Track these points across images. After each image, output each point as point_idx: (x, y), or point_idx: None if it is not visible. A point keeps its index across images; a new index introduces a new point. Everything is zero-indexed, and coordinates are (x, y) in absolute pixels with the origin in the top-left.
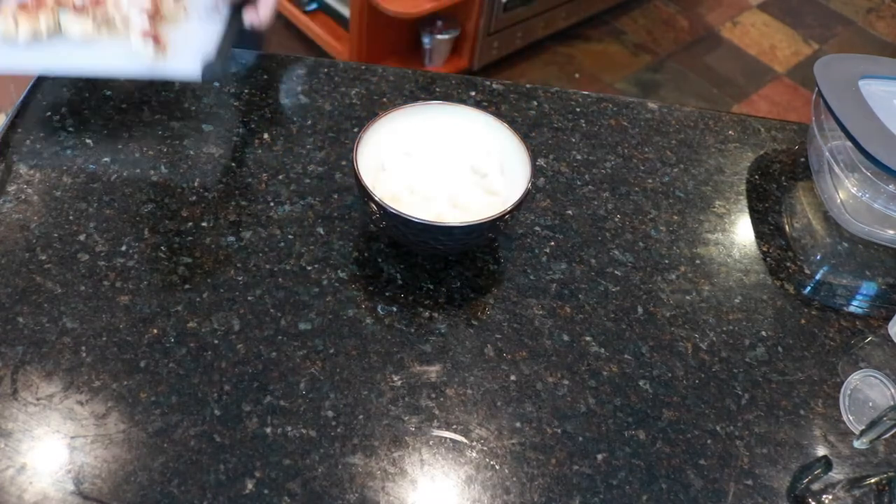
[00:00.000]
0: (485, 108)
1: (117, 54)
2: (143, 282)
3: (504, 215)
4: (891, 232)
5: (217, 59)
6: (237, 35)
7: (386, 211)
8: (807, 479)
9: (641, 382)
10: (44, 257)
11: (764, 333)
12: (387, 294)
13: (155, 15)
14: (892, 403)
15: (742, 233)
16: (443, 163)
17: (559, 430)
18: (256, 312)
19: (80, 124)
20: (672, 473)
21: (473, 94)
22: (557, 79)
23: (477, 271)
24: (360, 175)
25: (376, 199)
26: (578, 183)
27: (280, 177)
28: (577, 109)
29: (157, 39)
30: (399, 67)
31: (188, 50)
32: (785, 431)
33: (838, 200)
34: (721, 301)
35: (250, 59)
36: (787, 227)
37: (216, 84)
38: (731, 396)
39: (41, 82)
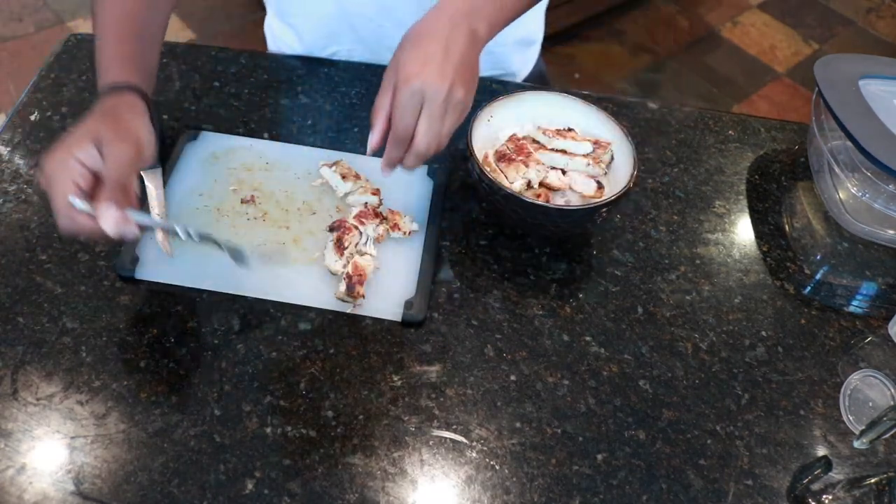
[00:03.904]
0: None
1: (308, 283)
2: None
3: (622, 194)
4: (891, 232)
5: (417, 299)
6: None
7: (506, 194)
8: (807, 479)
9: (641, 382)
10: (44, 257)
11: (764, 333)
12: None
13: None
14: (892, 403)
15: (742, 233)
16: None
17: (559, 430)
18: (256, 312)
19: None
20: (672, 473)
21: None
22: (557, 79)
23: (477, 271)
24: (477, 161)
25: (498, 184)
26: None
27: None
28: None
29: (355, 294)
30: None
31: (389, 293)
32: (785, 431)
33: (838, 200)
34: (721, 301)
35: (250, 58)
36: (787, 227)
37: (216, 84)
38: (731, 396)
39: (41, 82)
